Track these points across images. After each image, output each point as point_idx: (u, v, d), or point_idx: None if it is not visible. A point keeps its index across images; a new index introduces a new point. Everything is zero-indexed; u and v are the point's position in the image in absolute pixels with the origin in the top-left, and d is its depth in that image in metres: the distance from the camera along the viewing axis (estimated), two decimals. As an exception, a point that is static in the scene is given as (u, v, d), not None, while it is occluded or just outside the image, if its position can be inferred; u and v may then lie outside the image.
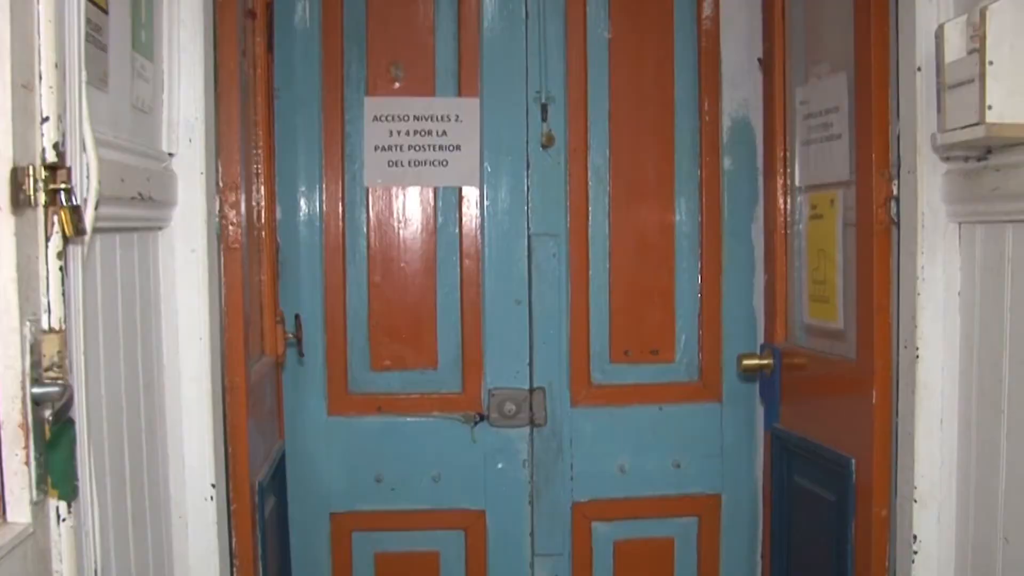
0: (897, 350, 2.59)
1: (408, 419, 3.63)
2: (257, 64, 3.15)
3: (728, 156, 3.68)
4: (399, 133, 3.57)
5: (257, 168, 3.15)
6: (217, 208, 2.45)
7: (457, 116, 3.58)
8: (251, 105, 3.08)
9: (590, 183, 3.65)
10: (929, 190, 2.43)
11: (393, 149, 3.58)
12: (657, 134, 3.62)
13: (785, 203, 3.35)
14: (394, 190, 3.60)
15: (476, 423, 3.64)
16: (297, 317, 3.34)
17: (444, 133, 3.59)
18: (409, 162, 3.58)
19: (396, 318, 3.63)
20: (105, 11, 1.82)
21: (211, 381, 2.36)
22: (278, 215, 3.52)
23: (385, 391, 3.64)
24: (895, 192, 2.57)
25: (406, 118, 3.57)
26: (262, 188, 3.17)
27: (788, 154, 3.32)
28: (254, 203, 3.13)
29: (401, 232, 3.61)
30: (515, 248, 3.63)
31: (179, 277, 2.31)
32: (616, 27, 3.64)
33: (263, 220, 3.18)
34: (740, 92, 3.63)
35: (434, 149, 3.58)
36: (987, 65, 1.99)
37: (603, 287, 3.67)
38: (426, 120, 3.58)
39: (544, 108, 3.58)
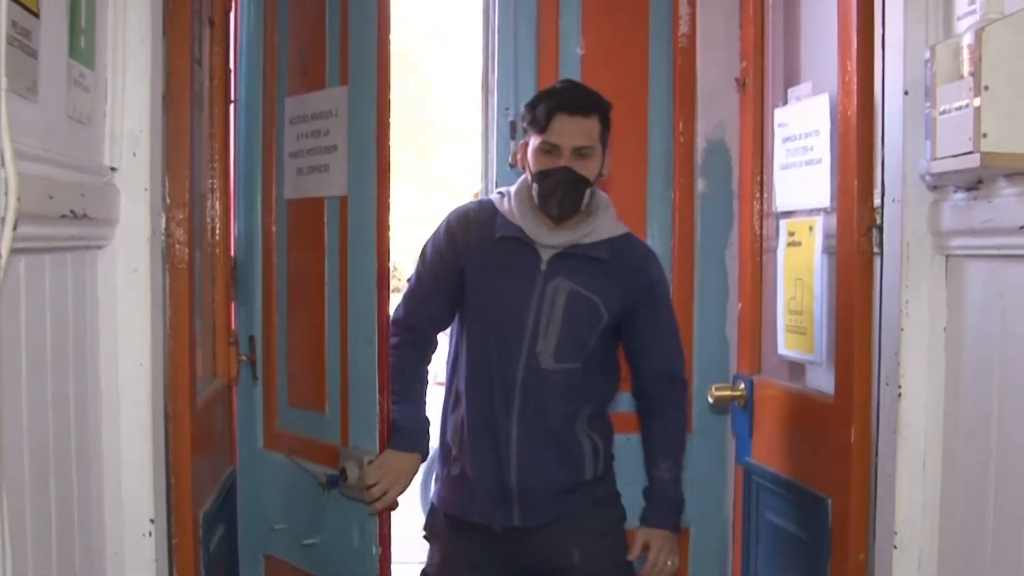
0: (878, 387, 2.46)
1: (300, 467, 3.03)
2: (215, 74, 3.00)
3: (703, 178, 3.56)
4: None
5: (213, 183, 2.99)
6: (163, 226, 2.29)
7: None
8: (206, 117, 2.93)
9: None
10: (915, 220, 2.31)
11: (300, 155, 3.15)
12: (629, 155, 3.46)
13: (761, 228, 3.23)
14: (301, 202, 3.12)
15: (331, 486, 2.86)
16: (251, 339, 3.18)
17: (327, 132, 3.03)
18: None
19: (300, 349, 3.15)
20: (36, 14, 1.66)
21: (152, 409, 2.20)
22: (237, 231, 3.32)
23: (295, 431, 3.13)
24: (878, 221, 2.45)
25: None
26: (217, 204, 3.01)
27: (765, 178, 3.20)
28: (208, 219, 2.97)
29: (308, 251, 3.08)
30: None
31: (120, 299, 2.15)
32: (589, 43, 3.51)
33: (217, 237, 3.02)
34: (716, 113, 3.50)
35: (321, 152, 3.09)
36: (983, 90, 1.87)
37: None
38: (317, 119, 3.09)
39: (512, 125, 3.44)
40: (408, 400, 2.80)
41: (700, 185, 3.55)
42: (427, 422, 2.83)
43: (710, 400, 3.29)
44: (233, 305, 3.25)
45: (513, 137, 3.44)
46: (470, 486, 2.78)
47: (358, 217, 2.80)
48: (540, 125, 2.66)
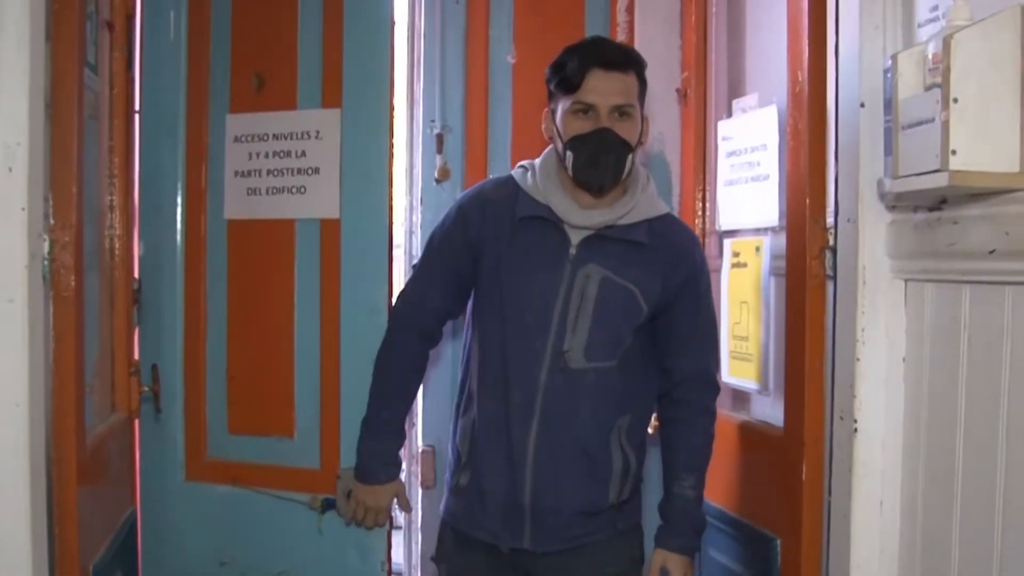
0: (831, 421, 2.31)
1: (259, 495, 3.09)
2: (114, 82, 2.77)
3: (642, 195, 3.36)
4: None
5: (112, 199, 2.77)
6: (46, 249, 2.07)
7: (318, 132, 3.08)
8: (104, 128, 2.71)
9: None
10: (871, 242, 2.16)
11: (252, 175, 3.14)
12: None
13: (704, 248, 3.06)
14: (254, 223, 3.13)
15: (325, 509, 3.01)
16: (154, 368, 2.95)
17: (303, 154, 3.07)
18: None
19: (255, 374, 3.13)
20: None
21: (31, 454, 1.99)
22: (141, 251, 3.14)
23: (241, 459, 3.12)
24: (831, 242, 2.31)
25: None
26: (117, 222, 2.78)
27: (708, 195, 3.04)
28: (107, 239, 2.75)
29: (261, 273, 3.13)
30: (375, 296, 3.08)
31: (-7, 332, 1.93)
32: (521, 51, 3.35)
33: (116, 259, 2.79)
34: (656, 125, 3.30)
35: (292, 173, 3.09)
36: (951, 103, 1.71)
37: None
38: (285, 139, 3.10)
39: (439, 138, 3.25)
40: (372, 425, 2.69)
41: (639, 202, 3.34)
42: (390, 449, 2.70)
43: (649, 431, 3.10)
44: (137, 331, 3.09)
45: (440, 151, 3.25)
46: (478, 499, 2.53)
47: (357, 240, 2.96)
48: (571, 84, 2.39)
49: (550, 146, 2.53)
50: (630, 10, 3.36)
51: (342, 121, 2.97)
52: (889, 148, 1.97)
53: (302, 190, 3.04)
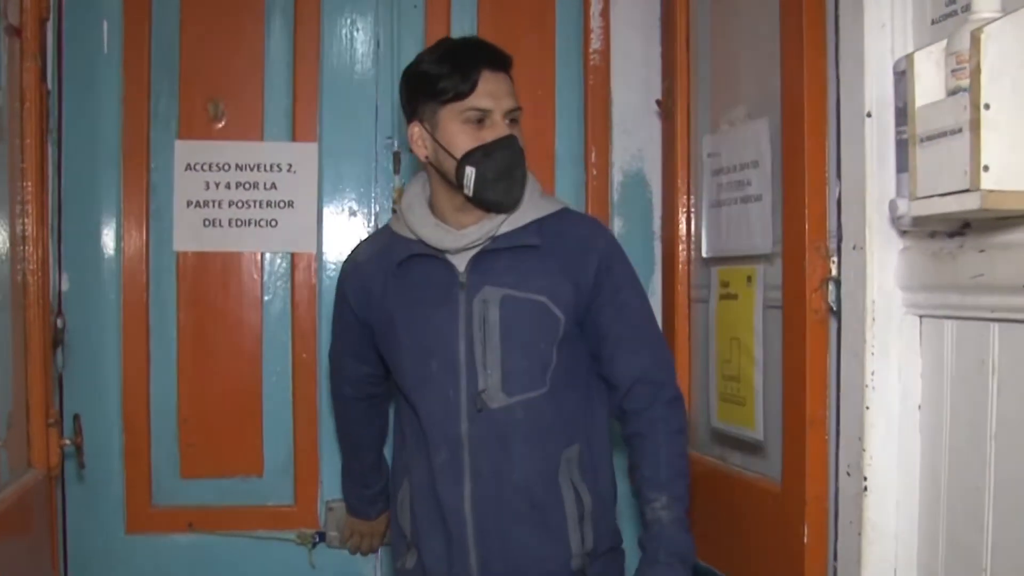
0: (836, 476, 2.08)
1: (226, 538, 3.00)
2: (25, 96, 2.50)
3: (619, 217, 3.15)
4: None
5: (24, 229, 2.49)
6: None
7: (290, 165, 2.97)
8: (14, 148, 2.43)
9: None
10: (881, 272, 1.93)
11: (210, 205, 2.98)
12: None
13: (688, 277, 2.81)
14: (212, 256, 3.03)
15: (314, 544, 3.03)
16: (76, 418, 2.66)
17: (273, 186, 3.01)
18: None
19: (213, 414, 3.02)
20: None
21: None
22: (64, 286, 2.92)
23: (198, 503, 3.00)
24: (834, 272, 2.07)
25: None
26: (31, 255, 2.50)
27: (693, 217, 2.78)
28: (18, 274, 2.46)
29: (220, 308, 3.03)
30: None
31: None
32: None
33: (31, 297, 2.51)
34: (634, 141, 3.10)
35: (261, 205, 3.00)
36: (982, 109, 1.45)
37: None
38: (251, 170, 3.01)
39: (397, 157, 3.00)
40: (348, 472, 2.72)
41: (616, 224, 3.14)
42: (371, 492, 2.70)
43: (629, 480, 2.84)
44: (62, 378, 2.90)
45: (397, 171, 3.00)
46: None
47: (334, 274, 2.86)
48: (459, 89, 2.14)
49: (415, 178, 2.34)
50: (605, 16, 3.13)
51: (320, 155, 3.04)
52: (903, 164, 1.73)
53: (273, 223, 3.01)
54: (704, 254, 2.67)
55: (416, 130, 2.23)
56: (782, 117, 2.21)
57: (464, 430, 2.19)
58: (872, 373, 1.92)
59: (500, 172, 2.15)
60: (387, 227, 2.36)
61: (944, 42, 1.60)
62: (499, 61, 2.20)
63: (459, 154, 2.15)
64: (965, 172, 1.47)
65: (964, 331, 1.77)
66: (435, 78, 2.16)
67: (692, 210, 2.79)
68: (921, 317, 1.90)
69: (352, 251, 2.45)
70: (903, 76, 1.72)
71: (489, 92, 2.15)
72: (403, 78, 2.28)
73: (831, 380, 2.09)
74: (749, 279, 2.42)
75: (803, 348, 2.12)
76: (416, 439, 2.25)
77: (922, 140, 1.59)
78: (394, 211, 2.34)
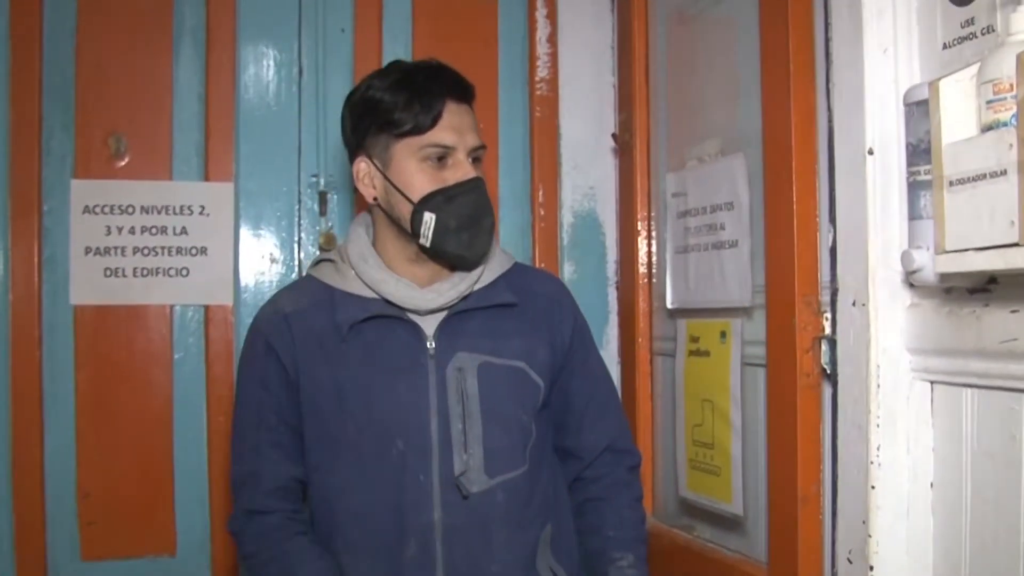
0: (833, 561, 1.87)
1: None
2: None
3: (570, 262, 2.92)
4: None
5: None
6: None
7: (203, 208, 2.71)
8: None
9: (378, 297, 2.82)
10: (886, 332, 1.73)
11: (112, 253, 2.69)
12: None
13: (650, 329, 2.58)
14: (115, 309, 2.72)
15: None
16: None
17: (183, 231, 2.73)
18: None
19: (118, 487, 2.70)
20: None
21: None
22: None
23: None
24: (828, 330, 1.86)
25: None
26: None
27: (655, 263, 2.56)
28: None
29: (125, 368, 2.72)
30: None
31: None
32: None
33: None
34: (586, 178, 2.88)
35: (170, 253, 2.73)
36: (1034, 148, 1.23)
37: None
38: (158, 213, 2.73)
39: (323, 198, 2.74)
40: None
41: (567, 270, 2.91)
42: None
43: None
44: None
45: (323, 212, 2.74)
46: None
47: None
48: (419, 121, 1.84)
49: (357, 221, 2.02)
50: (552, 42, 2.91)
51: (236, 196, 2.76)
52: (918, 210, 1.54)
53: (184, 272, 2.74)
54: (669, 305, 2.44)
55: (363, 166, 1.93)
56: (764, 153, 1.99)
57: (437, 519, 1.86)
58: (878, 448, 1.71)
59: (464, 220, 1.86)
60: (312, 281, 2.00)
61: (972, 69, 1.40)
62: (464, 91, 1.93)
63: (416, 197, 1.86)
64: (1012, 223, 1.26)
65: (989, 401, 1.56)
66: (389, 107, 1.87)
67: (654, 256, 2.57)
68: (932, 384, 1.69)
69: (270, 303, 2.01)
70: (918, 108, 1.52)
71: (453, 126, 1.86)
72: (348, 106, 1.98)
73: (825, 452, 1.88)
74: (723, 334, 2.20)
75: (793, 415, 1.90)
76: (365, 534, 1.89)
77: (951, 184, 1.37)
78: (326, 260, 2.00)
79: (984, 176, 1.31)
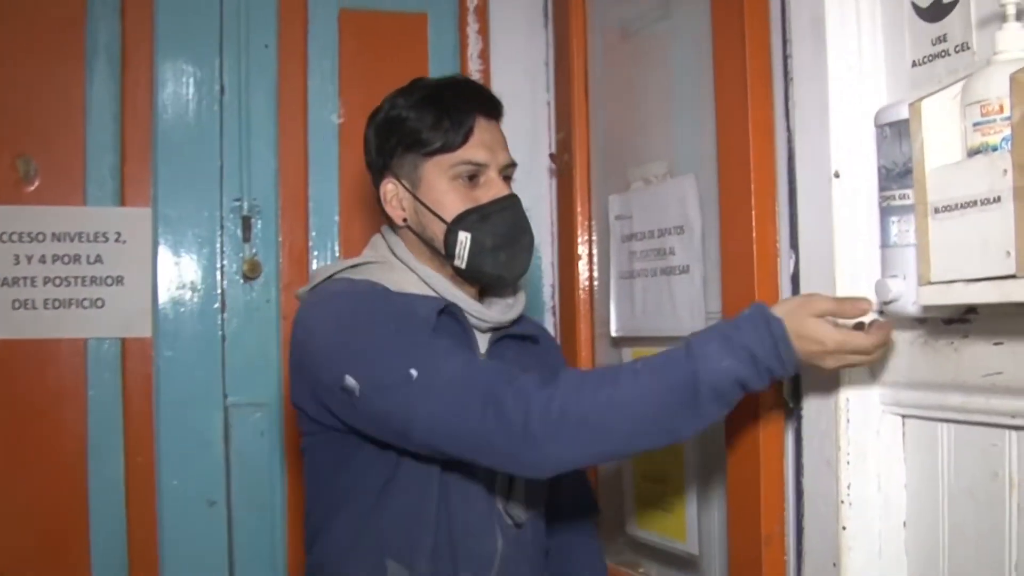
0: None
1: None
2: None
3: (505, 289, 2.79)
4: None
5: None
6: None
7: (119, 235, 2.56)
8: None
9: (314, 329, 2.68)
10: None
11: (21, 283, 2.53)
12: None
13: (593, 357, 2.50)
14: (24, 344, 2.56)
15: None
16: None
17: (98, 259, 2.58)
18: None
19: (25, 537, 2.53)
20: None
21: None
22: None
23: None
24: (791, 363, 1.75)
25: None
26: None
27: (597, 290, 2.47)
28: None
29: (34, 407, 2.55)
30: (206, 425, 2.64)
31: None
32: (350, 108, 2.76)
33: None
34: (522, 200, 2.76)
35: (84, 283, 2.58)
36: (1030, 174, 1.16)
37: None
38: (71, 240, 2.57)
39: (247, 223, 2.61)
40: None
41: (501, 294, 2.77)
42: None
43: None
44: None
45: (247, 239, 2.61)
46: None
47: (177, 362, 2.62)
48: (450, 138, 1.78)
49: (375, 243, 1.92)
50: (484, 56, 2.83)
51: (155, 222, 2.63)
52: (890, 236, 1.48)
53: (99, 303, 2.60)
54: (613, 332, 2.36)
55: (390, 187, 1.85)
56: (719, 175, 1.91)
57: (499, 548, 1.78)
58: (848, 486, 1.64)
59: (501, 239, 1.79)
60: (356, 281, 1.81)
61: (955, 89, 1.32)
62: (494, 107, 1.87)
63: (449, 216, 1.79)
64: (1008, 253, 1.19)
65: (968, 437, 1.49)
66: (417, 125, 1.80)
67: (595, 281, 2.48)
68: (904, 417, 1.62)
69: (351, 282, 1.81)
70: (892, 129, 1.45)
71: (484, 143, 1.80)
72: (372, 126, 1.90)
73: (788, 489, 1.80)
74: (674, 364, 2.11)
75: (755, 452, 1.82)
76: (424, 556, 1.74)
77: (937, 211, 1.30)
78: (361, 264, 1.84)
79: (975, 203, 1.24)
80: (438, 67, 2.81)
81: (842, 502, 1.64)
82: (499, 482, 1.78)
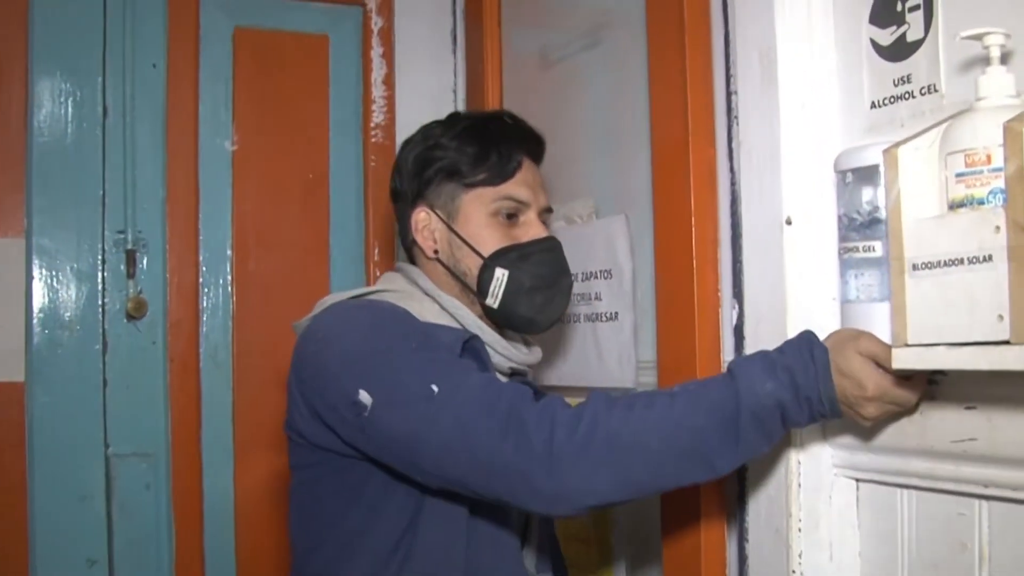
0: None
1: None
2: None
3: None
4: None
5: None
6: None
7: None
8: None
9: (204, 373, 2.60)
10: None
11: None
12: (307, 295, 2.46)
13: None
14: None
15: None
16: None
17: None
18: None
19: None
20: None
21: None
22: None
23: None
24: (732, 419, 1.65)
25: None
26: None
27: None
28: None
29: None
30: (85, 477, 2.47)
31: None
32: (245, 135, 2.64)
33: None
34: (429, 237, 2.67)
35: None
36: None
37: (226, 530, 2.56)
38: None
39: (131, 257, 2.46)
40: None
41: (412, 339, 2.65)
42: None
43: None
44: None
45: (131, 275, 2.45)
46: None
47: (50, 409, 2.44)
48: (497, 172, 1.71)
49: (410, 267, 1.79)
50: (389, 82, 2.72)
51: (28, 255, 2.45)
52: (854, 291, 1.37)
53: None
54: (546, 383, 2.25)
55: (423, 216, 1.75)
56: (654, 218, 1.81)
57: None
58: (800, 555, 1.54)
59: (541, 280, 1.70)
60: (387, 303, 1.68)
61: (930, 135, 1.24)
62: (540, 148, 1.80)
63: (487, 252, 1.70)
64: (1001, 317, 1.10)
65: (933, 506, 1.41)
66: (461, 155, 1.72)
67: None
68: (858, 482, 1.53)
69: (373, 302, 1.69)
70: (856, 176, 1.36)
71: (527, 183, 1.73)
72: (409, 152, 1.79)
73: (731, 559, 1.70)
74: (599, 416, 2.01)
75: (696, 517, 1.72)
76: None
77: (916, 268, 1.20)
78: (378, 292, 1.71)
79: (961, 261, 1.15)
80: (340, 93, 2.71)
81: (793, 572, 1.54)
82: (515, 525, 1.67)
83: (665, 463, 1.36)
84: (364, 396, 1.46)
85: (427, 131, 1.80)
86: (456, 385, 1.44)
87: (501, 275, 1.68)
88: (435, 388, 1.43)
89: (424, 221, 1.75)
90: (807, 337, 1.37)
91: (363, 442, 1.52)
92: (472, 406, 1.41)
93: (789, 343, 1.39)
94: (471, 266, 1.71)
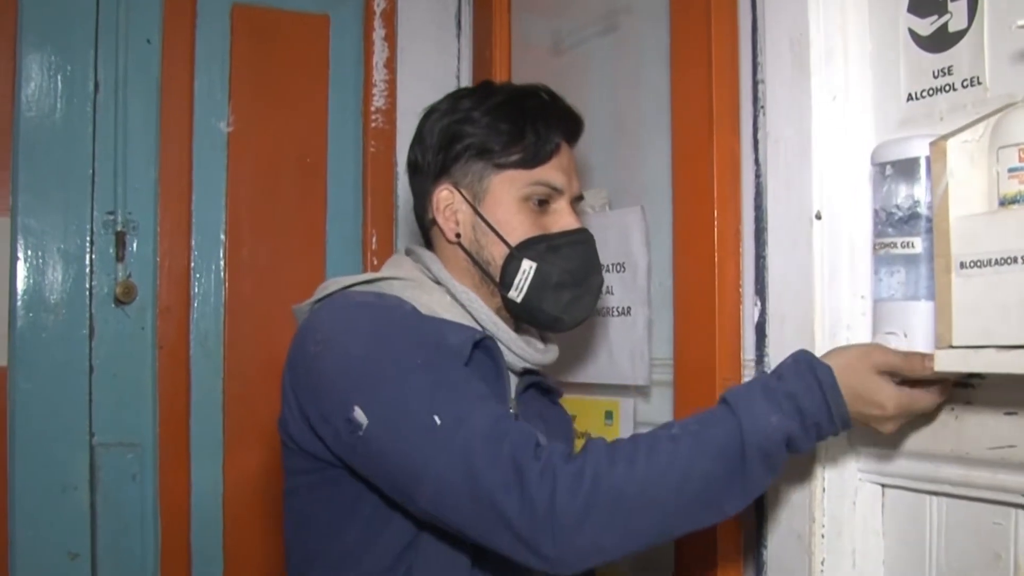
0: None
1: None
2: None
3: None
4: None
5: None
6: None
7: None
8: None
9: (194, 361, 2.55)
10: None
11: None
12: (301, 282, 2.50)
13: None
14: None
15: None
16: None
17: None
18: None
19: None
20: None
21: None
22: None
23: None
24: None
25: None
26: None
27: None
28: None
29: None
30: (69, 467, 2.41)
31: None
32: (241, 117, 2.59)
33: None
34: (431, 220, 2.63)
35: None
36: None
37: (214, 524, 2.53)
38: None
39: (120, 239, 2.43)
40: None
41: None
42: None
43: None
44: None
45: (121, 258, 2.40)
46: None
47: (38, 395, 2.39)
48: (533, 153, 1.60)
49: (398, 260, 1.71)
50: (391, 66, 2.68)
51: (13, 234, 2.38)
52: (889, 289, 1.34)
53: None
54: (541, 376, 2.22)
55: (445, 194, 1.64)
56: (674, 210, 1.78)
57: None
58: (822, 562, 1.51)
59: (570, 276, 1.60)
60: (394, 297, 1.59)
61: (978, 128, 1.21)
62: (579, 131, 1.69)
63: (515, 240, 1.60)
64: (1059, 317, 1.07)
65: (965, 514, 1.39)
66: (493, 131, 1.60)
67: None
68: (884, 487, 1.50)
69: (379, 296, 1.57)
70: (893, 169, 1.32)
71: (563, 168, 1.62)
72: (435, 123, 1.66)
73: (747, 565, 1.67)
74: (609, 415, 1.99)
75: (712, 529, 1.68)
76: None
77: (963, 266, 1.18)
78: (383, 279, 1.62)
79: (1014, 260, 1.12)
80: (340, 75, 2.67)
81: (813, 572, 1.52)
82: None
83: (673, 515, 1.31)
84: (359, 414, 1.38)
85: (456, 101, 1.67)
86: (459, 419, 1.35)
87: (528, 267, 1.59)
88: (437, 419, 1.34)
89: (447, 200, 1.64)
90: (805, 358, 1.33)
91: (355, 461, 1.44)
92: (475, 450, 1.32)
93: (786, 367, 1.33)
94: (496, 255, 1.61)
